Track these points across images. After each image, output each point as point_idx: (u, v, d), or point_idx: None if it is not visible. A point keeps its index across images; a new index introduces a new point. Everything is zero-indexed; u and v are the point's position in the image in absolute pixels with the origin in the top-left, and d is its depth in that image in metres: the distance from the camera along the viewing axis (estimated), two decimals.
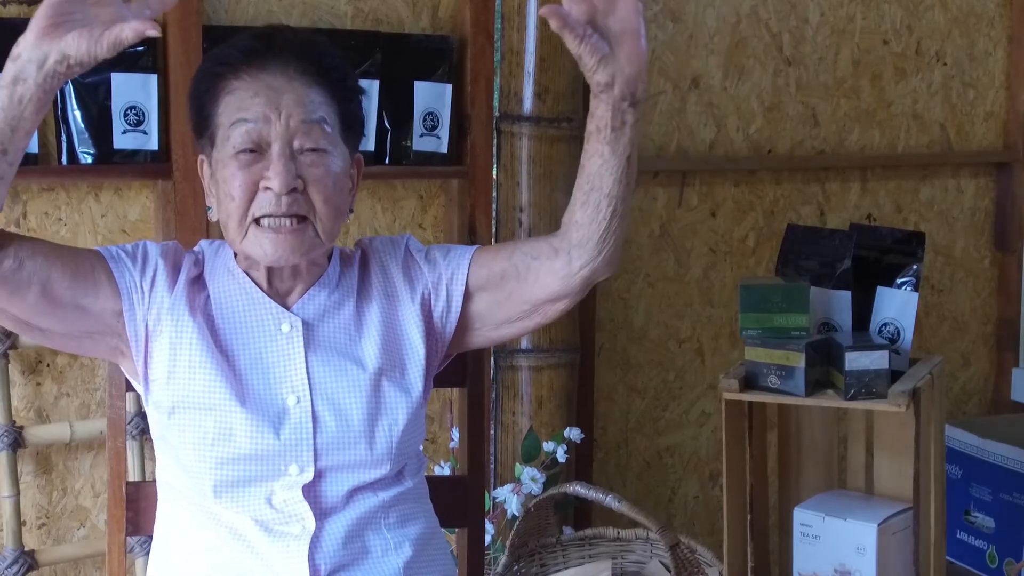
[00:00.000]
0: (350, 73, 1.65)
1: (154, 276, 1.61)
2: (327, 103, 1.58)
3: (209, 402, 1.58)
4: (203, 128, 1.61)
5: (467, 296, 1.68)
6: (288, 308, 1.64)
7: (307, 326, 1.63)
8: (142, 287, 1.60)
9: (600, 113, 1.50)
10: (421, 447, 1.74)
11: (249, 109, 1.54)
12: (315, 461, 1.59)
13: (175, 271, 1.63)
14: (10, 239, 1.51)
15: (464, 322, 1.69)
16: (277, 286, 1.64)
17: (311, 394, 1.61)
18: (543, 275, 1.64)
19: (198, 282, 1.65)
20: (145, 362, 1.61)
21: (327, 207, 1.57)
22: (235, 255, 1.66)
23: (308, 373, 1.62)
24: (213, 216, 1.62)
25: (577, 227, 1.59)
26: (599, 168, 1.54)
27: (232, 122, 1.55)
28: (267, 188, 1.54)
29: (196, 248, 1.70)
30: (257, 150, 1.55)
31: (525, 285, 1.65)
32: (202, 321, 1.61)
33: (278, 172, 1.53)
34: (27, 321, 1.55)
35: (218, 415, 1.58)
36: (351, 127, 1.64)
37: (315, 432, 1.60)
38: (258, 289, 1.64)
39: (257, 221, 1.56)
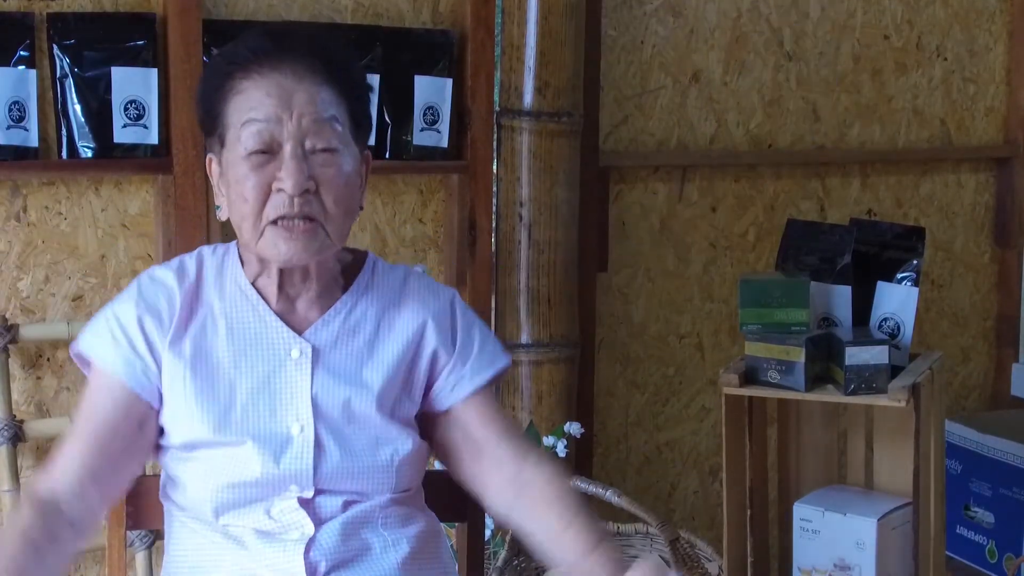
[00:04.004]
0: (360, 71, 1.65)
1: (146, 338, 1.60)
2: (338, 101, 1.57)
3: (214, 440, 1.59)
4: (212, 127, 1.59)
5: (445, 413, 1.69)
6: (301, 329, 1.63)
7: (317, 352, 1.62)
8: (143, 362, 1.60)
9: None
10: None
11: (259, 109, 1.53)
12: (315, 484, 1.60)
13: (160, 315, 1.61)
14: (70, 492, 1.54)
15: (432, 415, 1.71)
16: (288, 291, 1.63)
17: (315, 423, 1.60)
18: (488, 482, 1.68)
19: (195, 302, 1.63)
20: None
21: (338, 208, 1.56)
22: (242, 263, 1.65)
23: (313, 401, 1.61)
24: (222, 215, 1.61)
25: (518, 518, 1.66)
26: (546, 547, 1.63)
27: (243, 122, 1.53)
28: (280, 190, 1.53)
29: (193, 258, 1.67)
30: (268, 151, 1.53)
31: (472, 465, 1.69)
32: (204, 351, 1.61)
33: (291, 173, 1.52)
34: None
35: (224, 449, 1.58)
36: (361, 125, 1.62)
37: (318, 460, 1.59)
38: (270, 310, 1.62)
39: (273, 222, 1.54)
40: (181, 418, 1.60)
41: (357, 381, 1.63)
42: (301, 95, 1.53)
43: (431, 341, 1.67)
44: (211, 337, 1.61)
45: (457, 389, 1.68)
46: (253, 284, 1.63)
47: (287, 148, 1.53)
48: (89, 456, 1.57)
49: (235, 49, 1.58)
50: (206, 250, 1.69)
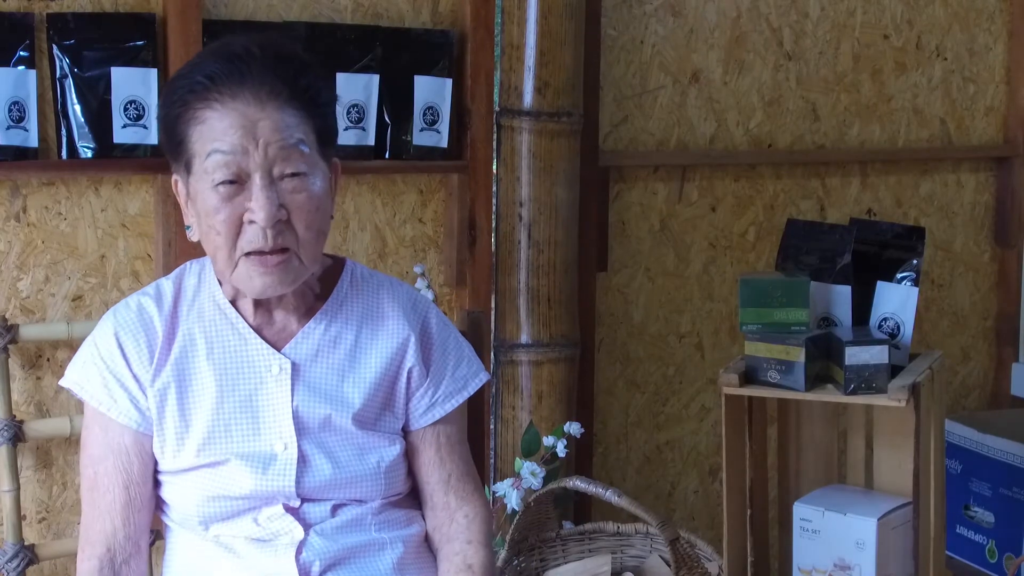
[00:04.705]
0: (324, 86, 1.62)
1: (128, 365, 1.61)
2: (303, 123, 1.55)
3: (198, 463, 1.60)
4: (176, 154, 1.58)
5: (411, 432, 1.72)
6: (280, 345, 1.63)
7: (296, 367, 1.62)
8: (131, 394, 1.61)
9: None
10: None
11: (224, 140, 1.51)
12: (300, 495, 1.61)
13: (138, 340, 1.62)
14: (123, 553, 1.61)
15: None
16: (267, 305, 1.63)
17: (298, 439, 1.60)
18: (421, 505, 1.74)
19: (173, 323, 1.63)
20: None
21: (310, 232, 1.55)
22: (219, 280, 1.65)
23: (295, 417, 1.61)
24: (193, 236, 1.61)
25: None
26: None
27: (208, 153, 1.52)
28: (252, 221, 1.52)
29: (171, 280, 1.67)
30: (237, 181, 1.52)
31: (413, 483, 1.74)
32: (185, 375, 1.62)
33: (262, 205, 1.51)
34: None
35: (209, 470, 1.60)
36: (327, 140, 1.61)
37: (301, 475, 1.60)
38: (249, 328, 1.62)
39: (247, 254, 1.54)
40: (168, 447, 1.60)
41: (338, 396, 1.63)
42: (265, 123, 1.51)
43: (411, 359, 1.67)
44: (192, 359, 1.62)
45: (427, 414, 1.69)
46: (231, 301, 1.64)
47: (256, 178, 1.52)
48: (131, 512, 1.61)
49: (191, 75, 1.55)
50: (187, 267, 1.68)
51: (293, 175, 1.53)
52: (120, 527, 1.60)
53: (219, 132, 1.51)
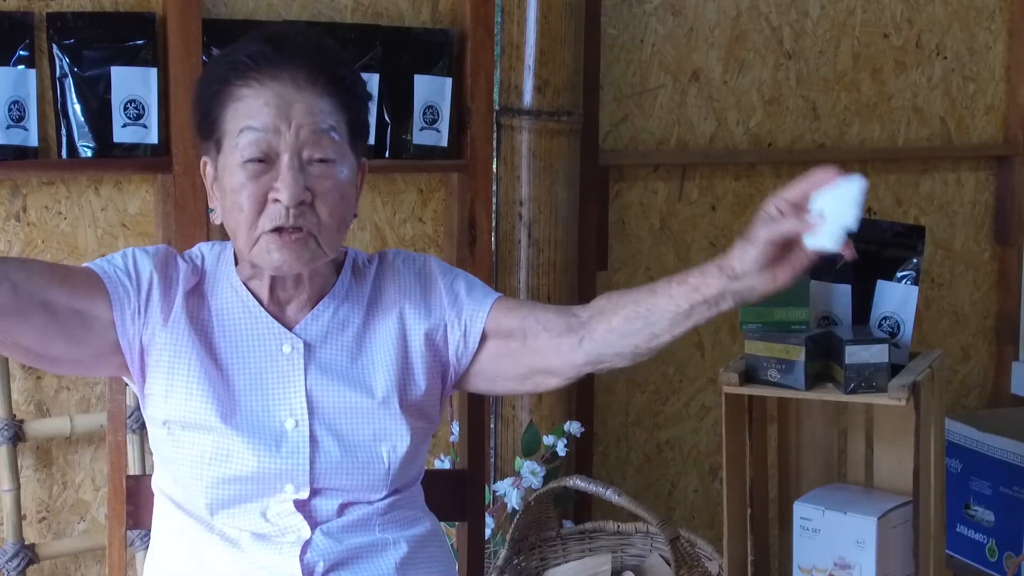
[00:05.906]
0: (360, 81, 1.64)
1: (149, 291, 1.59)
2: (336, 111, 1.57)
3: (206, 423, 1.58)
4: (208, 133, 1.59)
5: (478, 350, 1.67)
6: (291, 327, 1.63)
7: (308, 347, 1.62)
8: (136, 303, 1.58)
9: (707, 284, 1.51)
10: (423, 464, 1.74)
11: (258, 118, 1.53)
12: (311, 482, 1.60)
13: (170, 284, 1.61)
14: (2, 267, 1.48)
15: (470, 364, 1.69)
16: (279, 295, 1.63)
17: (310, 418, 1.60)
18: (548, 349, 1.63)
19: (196, 293, 1.63)
20: (142, 375, 1.60)
21: (332, 219, 1.56)
22: (236, 263, 1.65)
23: (308, 396, 1.61)
24: (216, 219, 1.61)
25: (608, 329, 1.59)
26: (666, 310, 1.55)
27: (240, 130, 1.53)
28: (276, 200, 1.53)
29: (194, 252, 1.67)
30: (266, 160, 1.53)
31: (527, 351, 1.65)
32: (200, 338, 1.60)
33: (287, 184, 1.52)
34: (38, 352, 1.53)
35: (215, 436, 1.58)
36: (359, 134, 1.62)
37: (313, 456, 1.59)
38: (260, 307, 1.62)
39: (267, 232, 1.54)
40: (158, 389, 1.59)
41: (350, 375, 1.63)
42: (300, 105, 1.53)
43: (415, 325, 1.66)
44: (204, 332, 1.62)
45: (471, 330, 1.67)
46: (246, 285, 1.64)
47: (284, 159, 1.53)
48: (46, 270, 1.53)
49: (234, 54, 1.57)
50: (204, 247, 1.69)
51: (321, 160, 1.55)
52: (24, 269, 1.51)
53: (254, 110, 1.53)
